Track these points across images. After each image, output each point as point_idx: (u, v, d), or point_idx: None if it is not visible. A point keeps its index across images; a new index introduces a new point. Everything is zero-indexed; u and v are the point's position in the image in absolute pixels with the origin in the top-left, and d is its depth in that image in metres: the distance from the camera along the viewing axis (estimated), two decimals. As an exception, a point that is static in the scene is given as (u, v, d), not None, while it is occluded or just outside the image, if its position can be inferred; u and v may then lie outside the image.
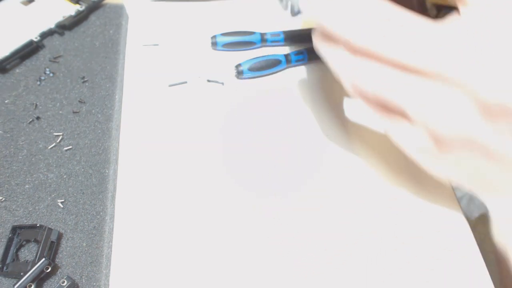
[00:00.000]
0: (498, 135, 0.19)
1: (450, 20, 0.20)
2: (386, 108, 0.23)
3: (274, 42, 0.38)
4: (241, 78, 0.36)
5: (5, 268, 0.26)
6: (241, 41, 0.37)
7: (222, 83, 0.35)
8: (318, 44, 0.25)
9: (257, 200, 0.29)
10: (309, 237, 0.28)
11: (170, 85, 0.35)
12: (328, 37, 0.23)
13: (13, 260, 0.26)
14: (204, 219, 0.28)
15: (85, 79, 0.35)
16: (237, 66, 0.35)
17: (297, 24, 0.39)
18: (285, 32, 0.38)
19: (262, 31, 0.38)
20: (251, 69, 0.35)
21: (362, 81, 0.22)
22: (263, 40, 0.37)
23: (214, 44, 0.37)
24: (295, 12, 0.36)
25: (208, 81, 0.35)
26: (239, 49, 0.38)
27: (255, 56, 0.36)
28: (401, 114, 0.22)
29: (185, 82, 0.35)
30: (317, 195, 0.29)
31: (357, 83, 0.23)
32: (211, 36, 0.37)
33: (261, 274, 0.26)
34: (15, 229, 0.27)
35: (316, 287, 0.26)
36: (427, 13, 0.27)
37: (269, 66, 0.35)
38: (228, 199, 0.29)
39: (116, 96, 0.35)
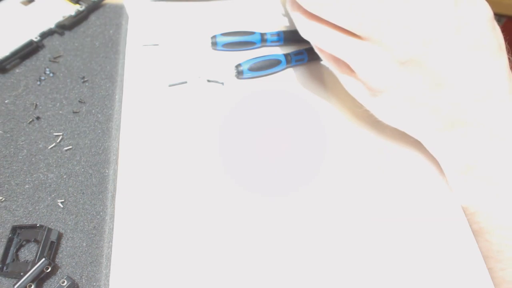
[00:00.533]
0: (411, 77, 0.25)
1: None
2: (339, 63, 0.29)
3: (274, 42, 0.38)
4: (241, 78, 0.36)
5: (5, 268, 0.26)
6: (241, 41, 0.37)
7: (222, 83, 0.35)
8: (288, 8, 0.29)
9: (257, 200, 0.29)
10: (309, 237, 0.28)
11: (170, 85, 0.35)
12: (293, 2, 0.28)
13: (13, 260, 0.26)
14: (204, 219, 0.28)
15: (85, 79, 0.35)
16: (237, 66, 0.35)
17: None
18: (285, 32, 0.38)
19: (262, 31, 0.38)
20: (251, 69, 0.35)
21: (316, 41, 0.28)
22: (263, 40, 0.37)
23: (214, 44, 0.37)
24: None
25: (208, 81, 0.35)
26: (239, 49, 0.38)
27: (255, 56, 0.36)
28: (348, 68, 0.28)
29: (185, 82, 0.35)
30: (318, 194, 0.29)
31: (313, 42, 0.29)
32: (211, 36, 0.37)
33: (261, 274, 0.26)
34: (15, 229, 0.27)
35: (316, 287, 0.26)
36: None
37: (269, 66, 0.35)
38: (228, 199, 0.29)
39: (116, 96, 0.35)
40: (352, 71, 0.28)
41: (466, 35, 0.24)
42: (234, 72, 0.35)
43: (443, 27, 0.24)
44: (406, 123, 0.28)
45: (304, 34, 0.28)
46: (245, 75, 0.35)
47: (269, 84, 0.36)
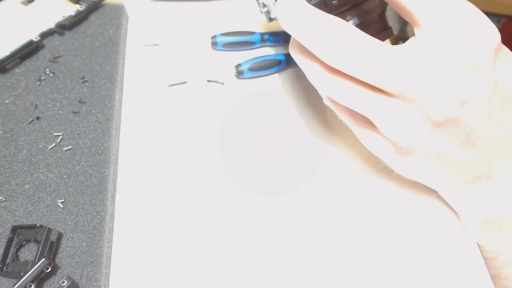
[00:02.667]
0: (444, 137, 0.23)
1: (408, 43, 0.23)
2: (356, 116, 0.26)
3: (274, 42, 0.38)
4: (241, 78, 0.36)
5: (5, 268, 0.26)
6: (241, 41, 0.37)
7: (222, 83, 0.35)
8: (294, 54, 0.26)
9: (257, 199, 0.29)
10: (309, 237, 0.28)
11: (170, 85, 0.35)
12: (304, 49, 0.25)
13: (13, 260, 0.26)
14: (204, 218, 0.28)
15: (85, 79, 0.35)
16: (237, 66, 0.35)
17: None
18: (285, 32, 0.38)
19: (262, 31, 0.38)
20: (251, 69, 0.35)
21: (335, 95, 0.25)
22: (263, 40, 0.37)
23: (214, 44, 0.37)
24: (269, 18, 0.35)
25: (208, 81, 0.35)
26: (239, 49, 0.38)
27: (255, 56, 0.36)
28: (368, 123, 0.26)
29: (185, 82, 0.35)
30: (318, 194, 0.29)
31: (330, 96, 0.25)
32: (211, 36, 0.37)
33: (261, 273, 0.26)
34: (15, 229, 0.27)
35: (316, 287, 0.26)
36: (387, 26, 0.29)
37: (269, 66, 0.35)
38: (228, 198, 0.29)
39: (116, 96, 0.35)
40: (373, 126, 0.25)
41: (502, 90, 0.23)
42: (234, 72, 0.35)
43: (481, 85, 0.22)
44: (428, 178, 0.27)
45: (315, 84, 0.26)
46: (245, 75, 0.35)
47: (269, 84, 0.36)
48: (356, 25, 0.27)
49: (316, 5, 0.25)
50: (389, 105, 0.23)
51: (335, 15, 0.25)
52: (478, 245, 0.28)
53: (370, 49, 0.22)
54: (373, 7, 0.27)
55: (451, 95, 0.22)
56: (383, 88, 0.23)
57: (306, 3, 0.24)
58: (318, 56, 0.24)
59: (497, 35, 0.23)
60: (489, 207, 0.26)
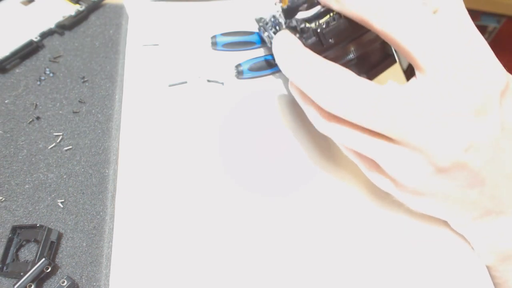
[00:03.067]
0: (450, 180, 0.23)
1: (408, 86, 0.22)
2: (361, 155, 0.26)
3: (274, 42, 0.38)
4: (241, 78, 0.36)
5: (5, 268, 0.26)
6: (241, 41, 0.37)
7: (222, 83, 0.35)
8: (293, 93, 0.26)
9: (257, 199, 0.29)
10: (309, 237, 0.28)
11: (170, 85, 0.35)
12: (301, 91, 0.25)
13: (13, 260, 0.26)
14: (204, 219, 0.28)
15: (85, 79, 0.35)
16: (237, 66, 0.35)
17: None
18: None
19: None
20: (251, 69, 0.35)
21: (334, 138, 0.25)
22: (263, 40, 0.37)
23: (214, 44, 0.37)
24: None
25: (208, 81, 0.35)
26: (239, 49, 0.38)
27: (255, 56, 0.36)
28: (374, 163, 0.25)
29: (185, 82, 0.35)
30: (318, 195, 0.29)
31: (333, 139, 0.25)
32: (211, 36, 0.37)
33: (261, 273, 0.26)
34: (15, 229, 0.27)
35: (315, 287, 0.26)
36: (390, 53, 0.28)
37: (269, 66, 0.35)
38: (228, 199, 0.29)
39: (116, 96, 0.35)
40: (378, 165, 0.25)
41: (510, 129, 0.22)
42: (234, 72, 0.35)
43: (488, 129, 0.21)
44: (437, 213, 0.27)
45: (321, 131, 0.25)
46: (245, 75, 0.35)
47: (269, 84, 0.36)
48: (357, 56, 0.26)
49: (312, 45, 0.24)
50: (391, 150, 0.23)
51: (334, 52, 0.25)
52: (488, 268, 0.27)
53: (364, 95, 0.22)
54: (373, 38, 0.26)
55: (455, 141, 0.21)
56: (383, 133, 0.22)
57: (301, 44, 0.24)
58: (315, 100, 0.23)
59: (504, 76, 0.22)
60: (499, 240, 0.26)
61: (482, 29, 1.18)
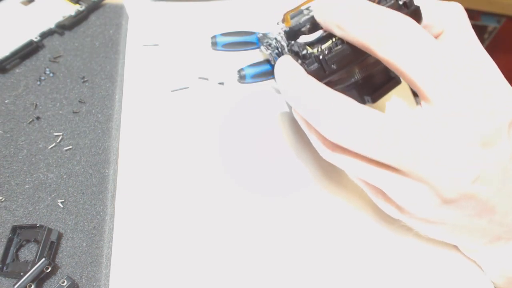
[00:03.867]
0: (458, 210, 0.22)
1: (414, 116, 0.21)
2: (368, 183, 0.25)
3: (274, 42, 0.38)
4: (244, 83, 0.35)
5: (5, 268, 0.26)
6: (241, 41, 0.37)
7: (222, 83, 0.35)
8: (297, 119, 0.26)
9: (257, 199, 0.29)
10: (309, 237, 0.28)
11: (173, 91, 0.34)
12: (305, 119, 0.25)
13: (13, 260, 0.26)
14: (204, 219, 0.28)
15: (85, 79, 0.35)
16: (239, 70, 0.35)
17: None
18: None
19: (262, 31, 0.38)
20: (254, 76, 0.35)
21: (338, 165, 0.24)
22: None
23: (214, 44, 0.37)
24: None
25: (208, 81, 0.35)
26: (239, 49, 0.38)
27: (257, 60, 0.35)
28: (380, 190, 0.24)
29: (187, 88, 0.35)
30: (318, 195, 0.29)
31: (340, 167, 0.24)
32: (211, 36, 0.37)
33: (261, 273, 0.26)
34: (15, 229, 0.27)
35: (315, 287, 0.26)
36: (396, 78, 0.27)
37: (271, 73, 0.35)
38: (228, 199, 0.29)
39: (116, 96, 0.35)
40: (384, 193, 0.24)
41: None
42: (236, 76, 0.35)
43: (496, 160, 0.21)
44: (445, 239, 0.26)
45: (325, 158, 0.25)
46: (247, 80, 0.35)
47: (269, 84, 0.36)
48: (361, 78, 0.26)
49: (315, 71, 0.23)
50: (396, 181, 0.22)
51: (337, 75, 0.24)
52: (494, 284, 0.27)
53: (368, 125, 0.21)
54: (377, 60, 0.25)
55: (462, 173, 0.21)
56: (388, 164, 0.22)
57: (303, 71, 0.23)
58: (318, 130, 0.23)
59: None
60: (510, 263, 0.25)
61: (482, 29, 1.18)
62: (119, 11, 0.41)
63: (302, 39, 0.25)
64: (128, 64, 0.36)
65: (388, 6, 0.23)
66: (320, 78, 0.23)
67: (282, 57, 0.25)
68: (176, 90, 0.34)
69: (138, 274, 0.26)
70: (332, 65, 0.23)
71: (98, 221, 0.28)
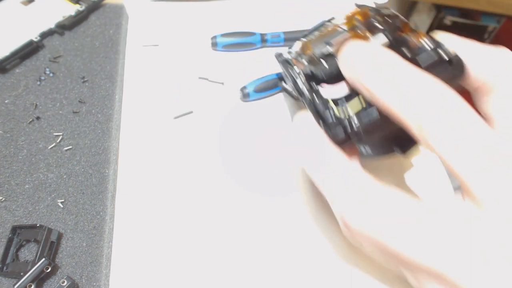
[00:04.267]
0: None
1: (451, 211, 0.17)
2: None
3: (274, 43, 0.38)
4: (247, 101, 0.34)
5: (5, 268, 0.26)
6: (241, 42, 0.37)
7: (222, 83, 0.35)
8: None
9: (257, 199, 0.29)
10: (308, 237, 0.28)
11: (176, 117, 0.33)
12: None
13: (13, 260, 0.26)
14: (204, 219, 0.28)
15: (85, 79, 0.35)
16: (242, 89, 0.34)
17: (297, 24, 0.39)
18: (285, 33, 0.38)
19: (262, 32, 0.38)
20: (256, 91, 0.34)
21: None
22: (263, 40, 0.37)
23: (214, 45, 0.37)
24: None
25: (208, 81, 0.35)
26: (239, 50, 0.38)
27: (259, 77, 0.34)
28: None
29: (191, 112, 0.33)
30: (317, 195, 0.29)
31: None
32: (211, 36, 0.37)
33: (261, 273, 0.26)
34: (15, 229, 0.27)
35: (315, 287, 0.26)
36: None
37: (273, 86, 0.34)
38: (228, 199, 0.29)
39: (116, 96, 0.35)
40: None
41: None
42: (239, 95, 0.34)
43: None
44: None
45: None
46: (251, 98, 0.34)
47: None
48: (384, 135, 0.21)
49: (339, 140, 0.20)
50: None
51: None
52: None
53: (402, 212, 0.17)
54: None
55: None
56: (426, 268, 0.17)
57: (324, 137, 0.20)
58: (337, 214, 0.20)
59: None
60: None
61: (482, 29, 1.18)
62: (119, 11, 0.41)
63: (325, 90, 0.22)
64: (128, 64, 0.36)
65: (429, 64, 0.19)
66: (342, 141, 0.20)
67: (300, 116, 0.22)
68: (179, 116, 0.33)
69: (138, 274, 0.26)
70: (360, 133, 0.20)
71: (98, 221, 0.28)
